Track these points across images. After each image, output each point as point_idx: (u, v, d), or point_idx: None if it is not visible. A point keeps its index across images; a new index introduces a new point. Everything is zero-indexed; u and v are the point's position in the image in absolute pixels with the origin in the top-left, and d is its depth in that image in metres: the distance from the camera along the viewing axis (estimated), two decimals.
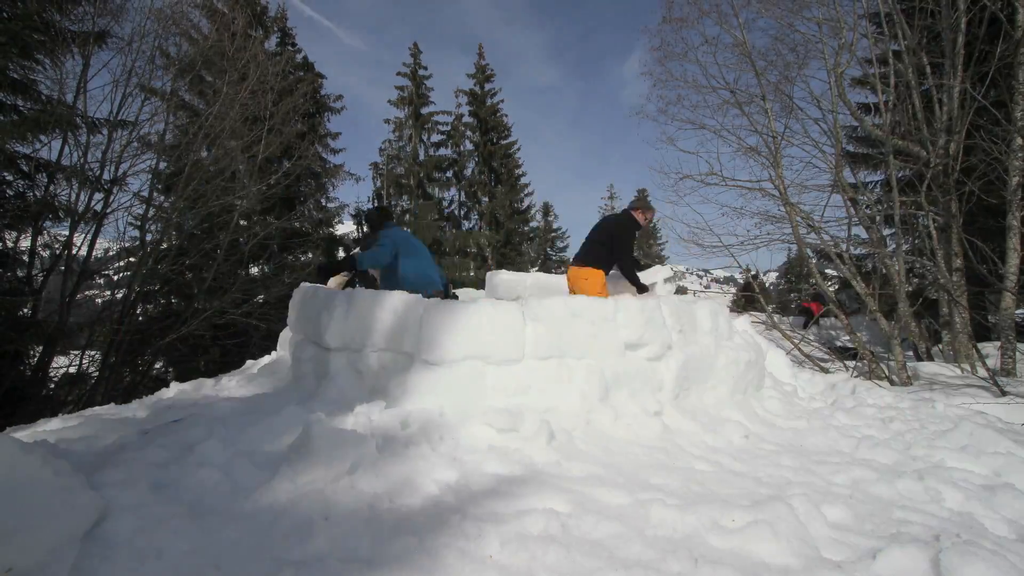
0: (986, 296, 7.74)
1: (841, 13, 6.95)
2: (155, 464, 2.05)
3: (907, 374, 5.85)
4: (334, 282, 4.09)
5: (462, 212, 23.77)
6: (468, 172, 23.65)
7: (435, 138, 23.07)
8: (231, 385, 3.49)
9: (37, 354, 7.08)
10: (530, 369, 2.77)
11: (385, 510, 1.74)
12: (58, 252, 7.41)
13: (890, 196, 6.85)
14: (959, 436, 2.87)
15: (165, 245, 8.64)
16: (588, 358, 2.86)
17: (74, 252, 7.39)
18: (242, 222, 10.06)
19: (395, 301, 3.00)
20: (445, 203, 23.00)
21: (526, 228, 25.04)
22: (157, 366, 10.03)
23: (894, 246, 6.98)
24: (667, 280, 4.85)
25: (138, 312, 9.11)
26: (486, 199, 23.40)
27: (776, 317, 8.38)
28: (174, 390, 3.51)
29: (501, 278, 6.46)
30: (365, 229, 5.08)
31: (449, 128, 23.23)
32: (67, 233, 7.33)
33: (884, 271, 7.06)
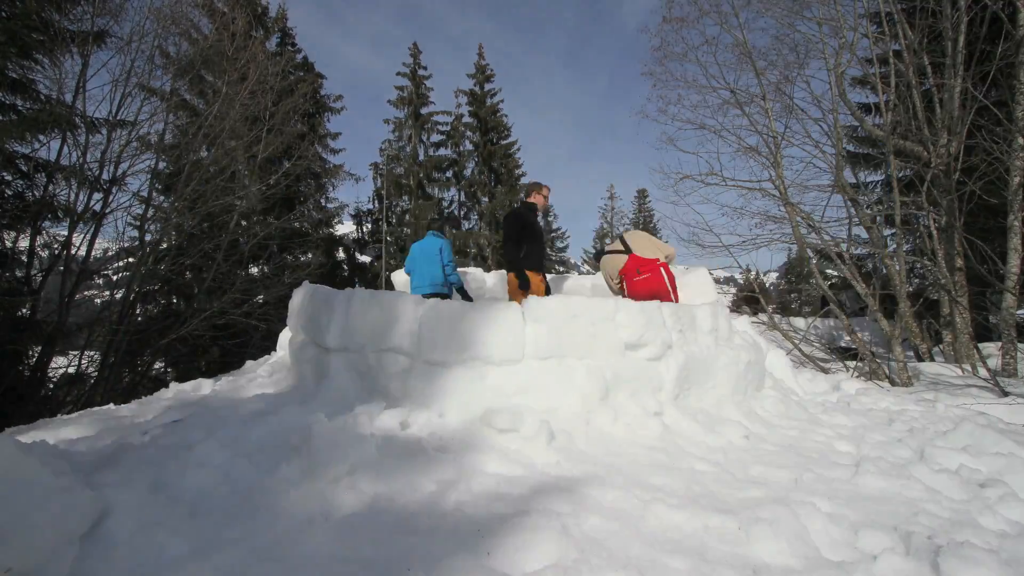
0: (987, 296, 7.74)
1: (841, 13, 6.95)
2: (154, 464, 2.04)
3: (908, 374, 5.85)
4: None
5: (462, 212, 23.77)
6: (468, 172, 23.65)
7: (435, 138, 23.10)
8: (231, 385, 3.48)
9: (36, 354, 7.07)
10: (530, 369, 2.76)
11: (385, 510, 1.73)
12: (57, 252, 7.40)
13: (890, 196, 6.85)
14: (960, 436, 2.87)
15: (164, 245, 8.63)
16: (588, 358, 2.85)
17: (73, 252, 7.38)
18: (242, 222, 10.05)
19: (394, 301, 2.99)
20: (445, 203, 23.00)
21: None
22: (156, 366, 10.02)
23: (894, 246, 6.98)
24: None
25: (137, 312, 9.11)
26: (486, 199, 23.40)
27: (776, 317, 8.37)
28: (173, 390, 3.50)
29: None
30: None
31: (449, 128, 23.24)
32: (66, 233, 7.32)
33: (884, 271, 7.05)
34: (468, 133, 23.67)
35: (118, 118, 7.49)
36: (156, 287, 9.93)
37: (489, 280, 6.64)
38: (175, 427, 2.52)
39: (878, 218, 7.69)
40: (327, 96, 18.36)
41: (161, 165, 8.63)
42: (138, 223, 8.44)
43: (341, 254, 19.36)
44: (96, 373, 7.75)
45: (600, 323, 2.92)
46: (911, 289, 8.29)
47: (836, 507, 1.96)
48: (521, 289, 4.18)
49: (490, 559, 1.49)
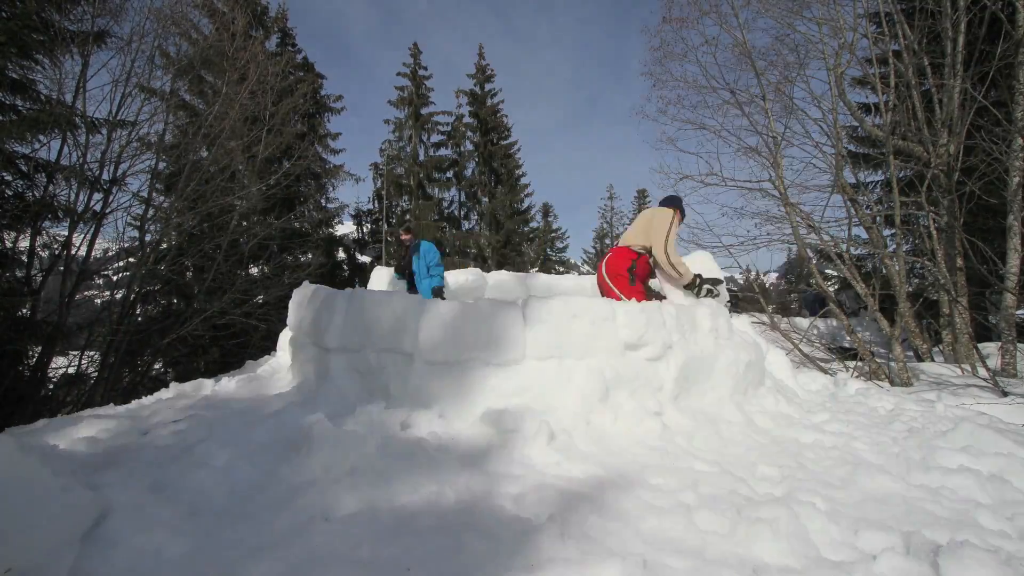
0: (986, 296, 7.74)
1: (841, 13, 6.96)
2: (154, 464, 2.04)
3: (908, 374, 5.85)
4: None
5: (462, 212, 23.78)
6: (468, 172, 23.65)
7: (435, 138, 23.12)
8: (231, 386, 3.48)
9: (36, 354, 7.07)
10: (530, 370, 2.76)
11: (385, 511, 1.73)
12: (57, 252, 7.40)
13: (890, 196, 6.86)
14: (959, 437, 2.87)
15: (164, 245, 8.63)
16: (588, 358, 2.85)
17: (73, 252, 7.38)
18: (242, 222, 10.05)
19: (394, 301, 3.00)
20: (445, 203, 23.01)
21: (526, 229, 25.06)
22: (156, 366, 10.02)
23: (894, 246, 6.98)
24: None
25: (137, 312, 9.10)
26: (486, 199, 23.41)
27: (776, 317, 8.38)
28: (173, 390, 3.50)
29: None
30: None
31: (449, 128, 23.25)
32: (66, 233, 7.32)
33: (884, 271, 7.06)
34: (468, 133, 23.68)
35: (118, 118, 7.49)
36: (156, 287, 9.92)
37: (490, 279, 6.65)
38: (175, 427, 2.52)
39: (878, 218, 7.69)
40: (327, 96, 18.38)
41: (161, 165, 8.63)
42: (138, 223, 8.43)
43: (341, 254, 19.36)
44: (96, 373, 7.75)
45: (600, 323, 2.92)
46: (911, 289, 8.29)
47: (836, 507, 1.96)
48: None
49: (490, 558, 1.49)
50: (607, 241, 34.76)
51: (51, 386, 7.45)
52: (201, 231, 9.10)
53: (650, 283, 4.12)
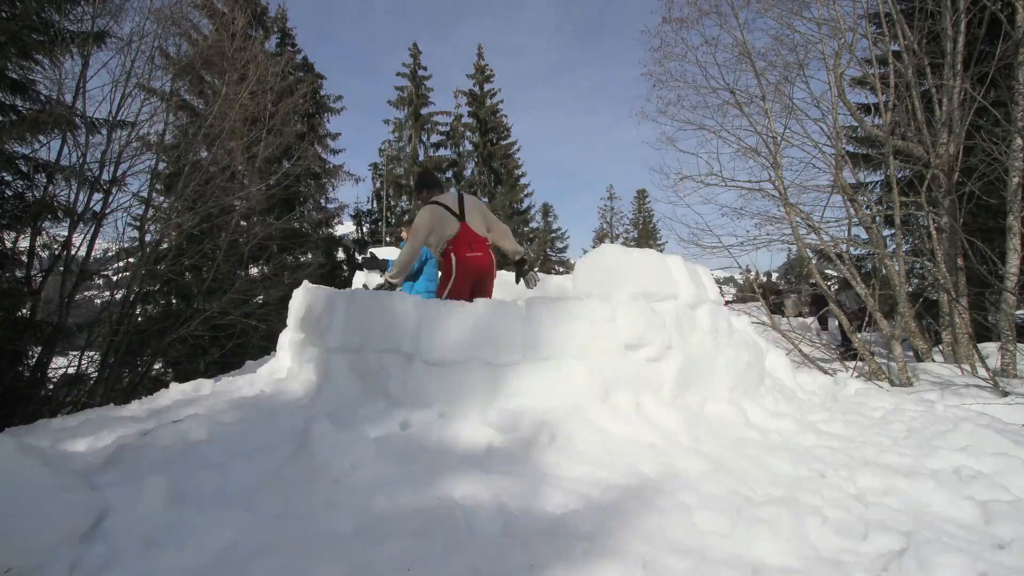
0: (986, 296, 7.74)
1: (841, 13, 6.96)
2: (154, 465, 2.04)
3: (907, 375, 5.85)
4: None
5: None
6: (468, 172, 23.66)
7: (435, 139, 23.13)
8: (231, 386, 3.48)
9: (36, 355, 7.07)
10: (530, 370, 2.76)
11: (385, 511, 1.73)
12: (57, 252, 7.39)
13: (890, 196, 6.85)
14: (959, 437, 2.87)
15: (164, 245, 8.63)
16: (588, 359, 2.86)
17: (73, 252, 7.37)
18: (242, 223, 10.05)
19: (395, 302, 3.00)
20: None
21: (526, 229, 25.07)
22: (156, 367, 10.01)
23: (894, 247, 6.98)
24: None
25: (137, 313, 9.10)
26: (486, 200, 23.41)
27: (776, 317, 8.38)
28: (173, 391, 3.50)
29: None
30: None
31: (449, 129, 23.25)
32: (66, 233, 7.31)
33: (884, 272, 7.06)
34: (468, 133, 23.69)
35: (118, 118, 7.48)
36: (156, 288, 9.92)
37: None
38: (175, 427, 2.52)
39: (878, 218, 7.69)
40: (327, 96, 18.39)
41: (161, 165, 8.63)
42: (138, 223, 8.43)
43: (341, 254, 19.37)
44: (96, 373, 7.74)
45: (600, 324, 2.92)
46: (911, 289, 8.29)
47: (835, 507, 1.96)
48: None
49: (490, 557, 1.49)
50: (607, 241, 34.76)
51: (51, 386, 7.44)
52: (201, 231, 9.10)
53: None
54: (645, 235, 35.11)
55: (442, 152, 23.25)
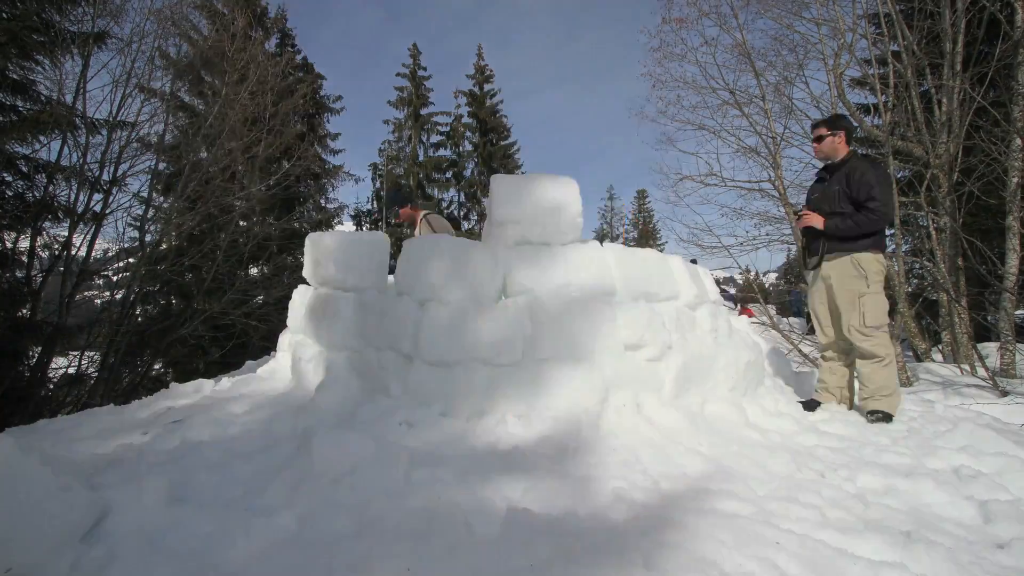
0: (986, 296, 7.75)
1: (840, 14, 6.97)
2: (154, 465, 2.04)
3: (907, 375, 5.86)
4: None
5: (462, 213, 23.78)
6: (468, 173, 23.66)
7: (434, 139, 23.14)
8: (231, 386, 3.48)
9: (36, 355, 7.07)
10: (529, 370, 2.76)
11: (384, 512, 1.74)
12: (57, 253, 7.40)
13: None
14: (959, 437, 2.87)
15: (164, 246, 8.63)
16: (588, 359, 2.86)
17: (73, 253, 7.38)
18: (241, 223, 10.05)
19: (394, 303, 3.00)
20: (445, 204, 23.02)
21: None
22: (156, 367, 10.01)
23: (893, 246, 6.99)
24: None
25: (137, 313, 9.10)
26: (486, 199, 23.41)
27: (776, 317, 8.38)
28: (173, 391, 3.50)
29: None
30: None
31: (448, 129, 23.27)
32: (66, 234, 7.32)
33: None
34: (468, 134, 23.70)
35: (118, 119, 7.49)
36: (156, 288, 9.92)
37: None
38: (175, 428, 2.52)
39: None
40: (327, 97, 18.39)
41: (161, 166, 8.64)
42: (138, 224, 8.44)
43: None
44: (96, 374, 7.75)
45: (600, 324, 2.92)
46: (911, 289, 8.29)
47: (834, 507, 1.96)
48: None
49: (489, 556, 1.49)
50: (607, 241, 34.75)
51: (51, 386, 7.45)
52: (201, 231, 9.10)
53: None
54: (645, 235, 35.13)
55: (442, 152, 23.28)
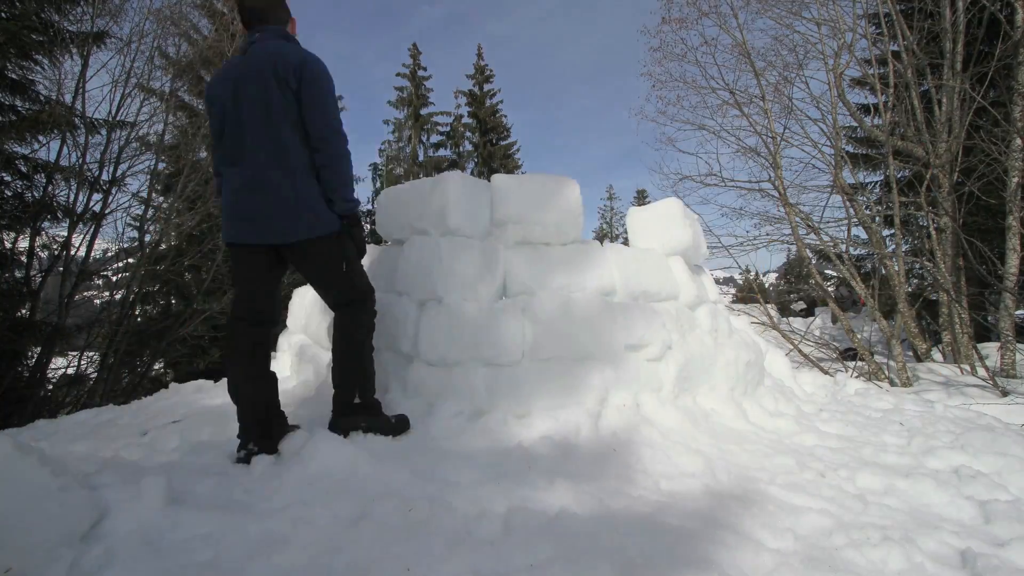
0: (986, 296, 7.75)
1: (840, 14, 6.97)
2: (153, 465, 2.04)
3: (907, 375, 5.86)
4: None
5: None
6: (468, 173, 23.66)
7: (434, 139, 23.12)
8: None
9: (35, 355, 7.06)
10: (529, 371, 2.76)
11: (383, 512, 1.73)
12: (56, 253, 7.39)
13: (889, 196, 6.86)
14: (958, 437, 2.87)
15: (164, 246, 8.62)
16: (588, 359, 2.86)
17: (72, 253, 7.37)
18: None
19: (394, 303, 3.00)
20: None
21: None
22: (156, 367, 10.00)
23: (893, 247, 6.99)
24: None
25: (137, 313, 9.09)
26: None
27: (776, 317, 8.39)
28: (173, 391, 3.50)
29: None
30: None
31: (449, 129, 23.26)
32: (65, 234, 7.31)
33: (884, 272, 7.06)
34: (468, 134, 23.70)
35: (118, 119, 7.48)
36: (156, 288, 9.91)
37: None
38: (174, 428, 2.52)
39: (877, 218, 7.70)
40: None
41: (161, 166, 8.62)
42: (138, 224, 8.43)
43: None
44: (95, 374, 7.74)
45: (600, 324, 2.92)
46: (910, 289, 8.30)
47: (833, 507, 1.96)
48: None
49: (488, 555, 1.49)
50: (607, 241, 34.78)
51: (50, 387, 7.44)
52: (201, 231, 9.09)
53: None
54: None
55: (442, 152, 23.28)
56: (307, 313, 3.60)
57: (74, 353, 7.74)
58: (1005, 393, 4.72)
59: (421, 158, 22.54)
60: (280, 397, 2.30)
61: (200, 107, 10.20)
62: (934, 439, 2.89)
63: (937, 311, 7.44)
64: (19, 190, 7.16)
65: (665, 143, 8.97)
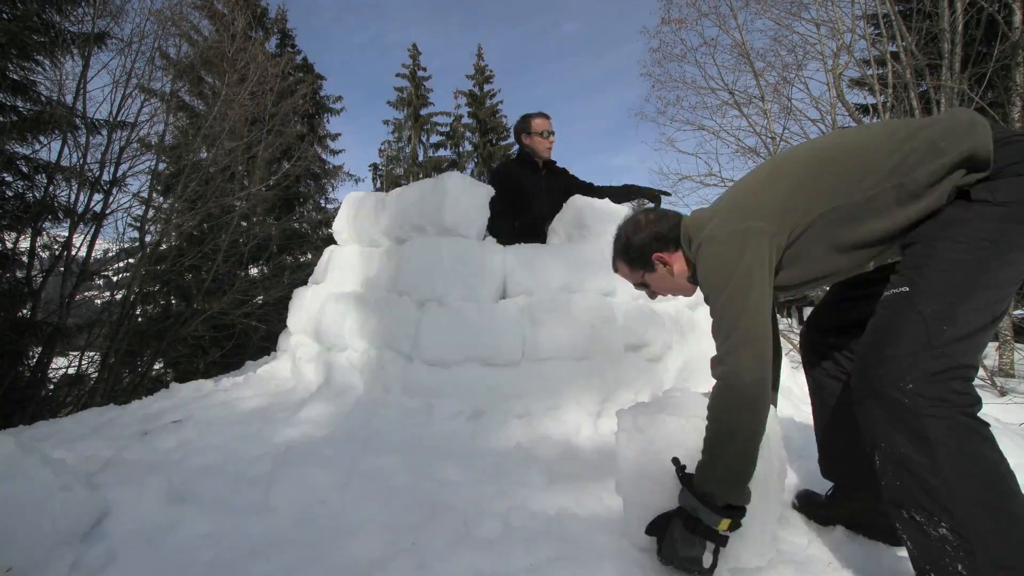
0: None
1: (839, 15, 6.98)
2: (154, 465, 2.05)
3: None
4: None
5: None
6: (468, 173, 23.66)
7: (434, 139, 23.12)
8: (231, 386, 3.49)
9: (36, 355, 7.07)
10: (529, 371, 2.77)
11: (383, 511, 1.74)
12: (57, 253, 7.40)
13: None
14: None
15: (164, 246, 8.63)
16: (588, 359, 2.86)
17: (73, 253, 7.38)
18: (241, 223, 10.05)
19: (393, 304, 3.01)
20: None
21: None
22: (156, 367, 10.01)
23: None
24: None
25: (137, 313, 9.10)
26: None
27: (775, 317, 8.39)
28: (173, 391, 3.51)
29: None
30: None
31: (448, 129, 23.26)
32: (66, 234, 7.32)
33: None
34: (468, 134, 23.70)
35: (118, 119, 7.49)
36: (156, 288, 9.92)
37: None
38: (175, 428, 2.53)
39: None
40: (327, 97, 18.37)
41: (161, 166, 8.64)
42: (138, 224, 8.44)
43: None
44: (96, 374, 7.75)
45: (600, 324, 2.93)
46: None
47: None
48: None
49: (487, 555, 1.50)
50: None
51: (51, 387, 7.45)
52: (201, 232, 9.10)
53: None
54: None
55: (442, 152, 23.28)
56: (307, 313, 3.61)
57: (75, 353, 7.75)
58: (1003, 392, 4.73)
59: (421, 158, 22.54)
60: (279, 398, 2.31)
61: (200, 108, 10.22)
62: None
63: None
64: (20, 190, 7.17)
65: (665, 143, 8.99)
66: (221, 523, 1.63)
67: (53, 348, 7.15)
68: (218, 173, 8.52)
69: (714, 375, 1.48)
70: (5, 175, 6.99)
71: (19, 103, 7.23)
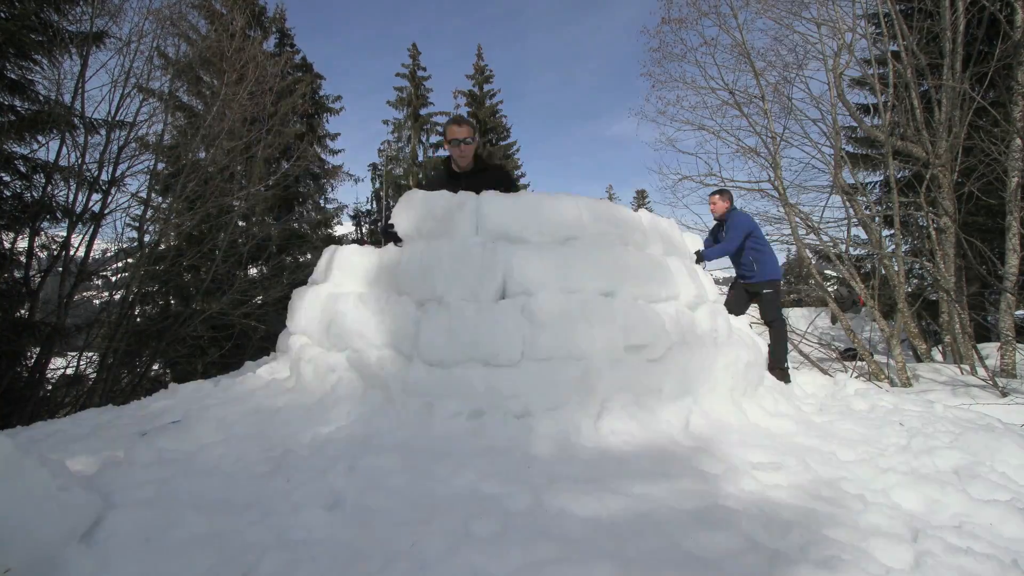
0: (986, 296, 7.76)
1: (840, 14, 6.98)
2: (153, 465, 2.04)
3: (907, 375, 5.86)
4: None
5: None
6: None
7: (434, 139, 23.09)
8: (230, 387, 3.47)
9: (34, 355, 7.06)
10: (529, 372, 2.76)
11: (383, 511, 1.73)
12: (56, 253, 7.39)
13: (889, 197, 6.87)
14: (958, 437, 2.87)
15: (163, 246, 8.62)
16: (587, 360, 2.85)
17: (72, 253, 7.37)
18: (240, 223, 10.04)
19: (393, 303, 3.00)
20: None
21: None
22: (155, 367, 10.00)
23: (893, 247, 6.99)
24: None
25: (136, 313, 9.09)
26: None
27: None
28: (172, 391, 3.49)
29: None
30: None
31: None
32: (65, 234, 7.31)
33: (884, 272, 7.06)
34: None
35: (117, 119, 7.48)
36: (155, 288, 9.91)
37: None
38: (174, 428, 2.52)
39: (877, 218, 7.70)
40: (326, 96, 18.35)
41: (160, 166, 8.63)
42: (137, 224, 8.43)
43: None
44: (95, 374, 7.74)
45: (600, 325, 2.92)
46: (910, 289, 8.30)
47: (832, 508, 1.96)
48: None
49: (487, 555, 1.49)
50: None
51: (49, 387, 7.44)
52: (200, 232, 9.09)
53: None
54: None
55: (442, 152, 23.25)
56: (307, 313, 3.59)
57: (73, 353, 7.74)
58: (1005, 393, 4.72)
59: (420, 158, 22.53)
60: (279, 399, 2.30)
61: (199, 107, 10.20)
62: (934, 439, 2.88)
63: (937, 311, 7.44)
64: (18, 190, 7.15)
65: (665, 143, 8.98)
66: (220, 523, 1.62)
67: (51, 348, 7.14)
68: (217, 173, 8.51)
69: None
70: (3, 175, 6.98)
71: (17, 102, 7.21)
